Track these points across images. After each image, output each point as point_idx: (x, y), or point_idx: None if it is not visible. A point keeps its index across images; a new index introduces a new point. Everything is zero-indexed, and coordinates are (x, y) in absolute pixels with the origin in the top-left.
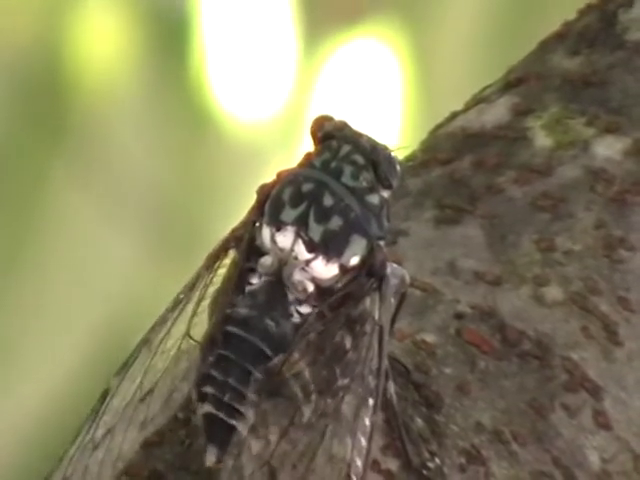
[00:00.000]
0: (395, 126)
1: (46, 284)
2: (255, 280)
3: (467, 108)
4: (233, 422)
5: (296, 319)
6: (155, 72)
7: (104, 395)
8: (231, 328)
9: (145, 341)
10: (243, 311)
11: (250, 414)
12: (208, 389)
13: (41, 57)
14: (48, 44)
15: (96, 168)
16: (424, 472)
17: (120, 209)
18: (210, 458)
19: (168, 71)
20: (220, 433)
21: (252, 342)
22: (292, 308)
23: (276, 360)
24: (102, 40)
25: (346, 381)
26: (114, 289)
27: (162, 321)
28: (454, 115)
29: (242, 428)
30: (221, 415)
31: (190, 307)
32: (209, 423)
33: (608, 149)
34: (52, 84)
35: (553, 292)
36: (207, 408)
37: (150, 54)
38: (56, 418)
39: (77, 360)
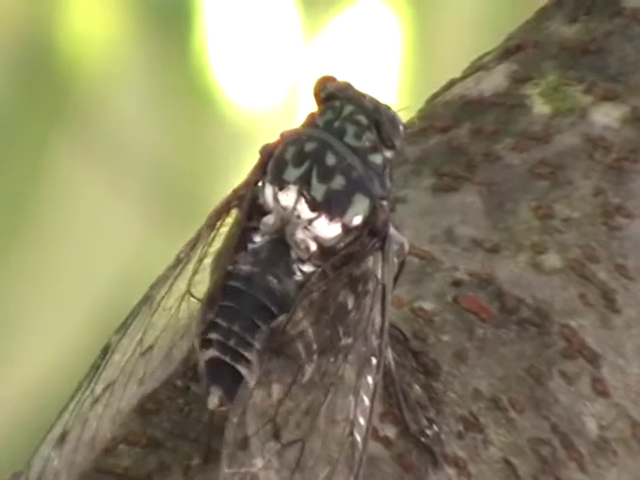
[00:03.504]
0: (395, 91)
1: (50, 255)
2: (258, 239)
3: (465, 76)
4: (238, 366)
5: (299, 277)
6: (156, 47)
7: (104, 351)
8: (233, 283)
9: (146, 299)
10: (245, 268)
11: (255, 362)
12: (213, 335)
13: (44, 31)
14: (51, 19)
15: (99, 141)
16: (422, 439)
17: (122, 181)
18: (213, 401)
19: (169, 47)
20: (225, 377)
21: (255, 297)
22: (295, 266)
23: (280, 319)
24: (105, 16)
25: (349, 340)
26: (117, 260)
27: (163, 279)
28: (452, 83)
29: (247, 375)
30: (226, 359)
31: (191, 265)
32: (213, 367)
33: (606, 116)
34: (55, 60)
35: (551, 259)
36: (211, 353)
37: (152, 30)
38: (59, 389)
39: (81, 331)
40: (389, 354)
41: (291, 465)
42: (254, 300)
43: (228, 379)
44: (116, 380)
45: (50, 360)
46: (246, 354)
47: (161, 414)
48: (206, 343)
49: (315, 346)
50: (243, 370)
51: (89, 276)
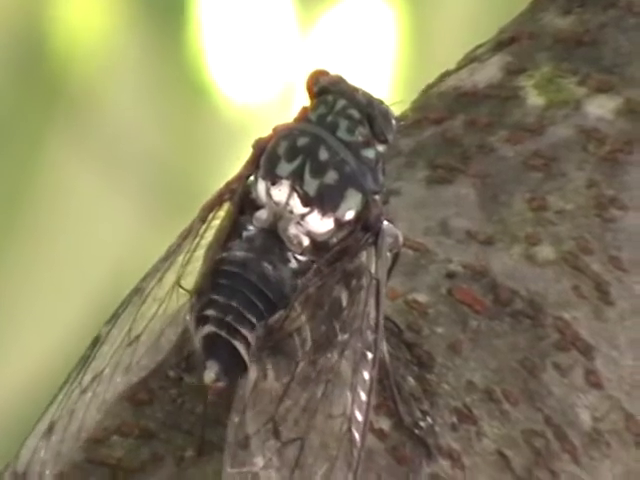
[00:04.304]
0: (390, 84)
1: (44, 250)
2: (251, 228)
3: (459, 67)
4: (235, 341)
5: (293, 265)
6: (151, 41)
7: (94, 343)
8: (228, 267)
9: (136, 290)
10: (240, 254)
11: (251, 338)
12: (210, 311)
13: (38, 25)
14: (45, 12)
15: (93, 135)
16: (416, 431)
17: (117, 175)
18: (209, 375)
19: (164, 40)
20: (221, 352)
21: (250, 280)
22: (290, 254)
23: (276, 316)
24: (99, 9)
25: (345, 336)
26: (112, 254)
27: (154, 271)
28: (446, 74)
29: (243, 349)
30: (222, 333)
31: (181, 257)
32: (210, 343)
33: (600, 108)
34: (49, 54)
35: (545, 251)
36: (208, 329)
37: (146, 23)
38: (52, 383)
39: (75, 325)
40: (383, 346)
41: (291, 463)
42: (249, 283)
43: (225, 354)
44: (103, 370)
45: (44, 354)
46: (243, 330)
47: (154, 405)
48: (202, 320)
49: (311, 342)
50: (239, 346)
51: (83, 270)
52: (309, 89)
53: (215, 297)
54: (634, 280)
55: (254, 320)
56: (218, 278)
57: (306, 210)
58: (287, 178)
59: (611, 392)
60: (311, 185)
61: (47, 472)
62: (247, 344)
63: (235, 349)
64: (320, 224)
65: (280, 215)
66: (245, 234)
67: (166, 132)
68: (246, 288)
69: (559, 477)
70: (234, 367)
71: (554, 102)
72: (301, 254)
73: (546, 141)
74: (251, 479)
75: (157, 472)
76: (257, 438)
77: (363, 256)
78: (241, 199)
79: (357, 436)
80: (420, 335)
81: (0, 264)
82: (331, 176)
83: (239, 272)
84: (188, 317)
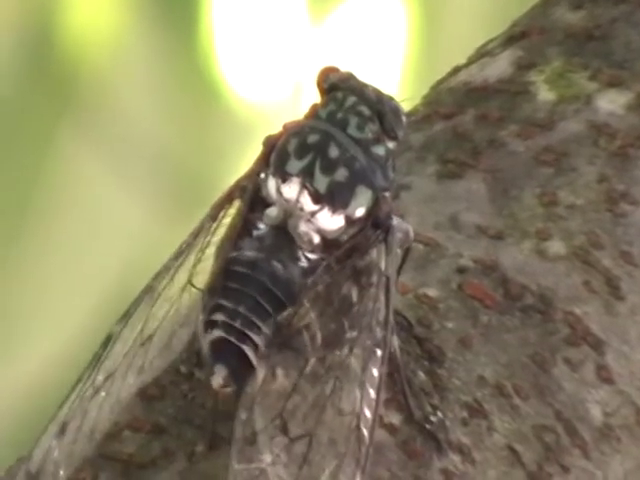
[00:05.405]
0: (400, 81)
1: (55, 244)
2: (262, 227)
3: (470, 62)
4: (244, 347)
5: (303, 263)
6: (162, 37)
7: (106, 342)
8: (238, 268)
9: (148, 289)
10: (250, 253)
11: (260, 342)
12: (218, 316)
13: (50, 21)
14: (58, 8)
15: (104, 131)
16: (426, 426)
17: (127, 171)
18: (217, 380)
19: (175, 37)
20: (230, 357)
21: (260, 280)
22: (300, 252)
23: (285, 313)
24: (112, 5)
25: (354, 333)
26: (122, 249)
27: (165, 269)
28: (457, 69)
29: (252, 355)
30: (231, 338)
31: (193, 256)
32: (218, 348)
33: (611, 103)
34: (62, 49)
35: (555, 246)
36: (216, 333)
37: (158, 20)
38: (62, 377)
39: (85, 320)
40: (394, 341)
41: (299, 460)
42: (259, 283)
43: (233, 359)
44: (116, 370)
45: (53, 349)
46: (252, 335)
47: (165, 400)
48: (211, 324)
49: (320, 339)
50: (249, 351)
51: (93, 265)
52: (319, 86)
53: (223, 302)
54: None
55: (262, 324)
56: (228, 280)
57: (316, 207)
58: (297, 175)
59: (622, 387)
60: (321, 182)
61: (61, 472)
62: (255, 348)
63: (243, 353)
64: (330, 221)
65: (290, 212)
66: (255, 233)
67: (177, 129)
68: (255, 290)
69: (570, 472)
70: (242, 371)
71: (565, 97)
72: (311, 252)
73: (557, 136)
74: (259, 475)
75: (168, 467)
76: (265, 434)
77: (373, 253)
78: (252, 197)
79: (365, 433)
80: (430, 330)
81: (9, 259)
82: (341, 173)
83: (249, 273)
84: (198, 315)
